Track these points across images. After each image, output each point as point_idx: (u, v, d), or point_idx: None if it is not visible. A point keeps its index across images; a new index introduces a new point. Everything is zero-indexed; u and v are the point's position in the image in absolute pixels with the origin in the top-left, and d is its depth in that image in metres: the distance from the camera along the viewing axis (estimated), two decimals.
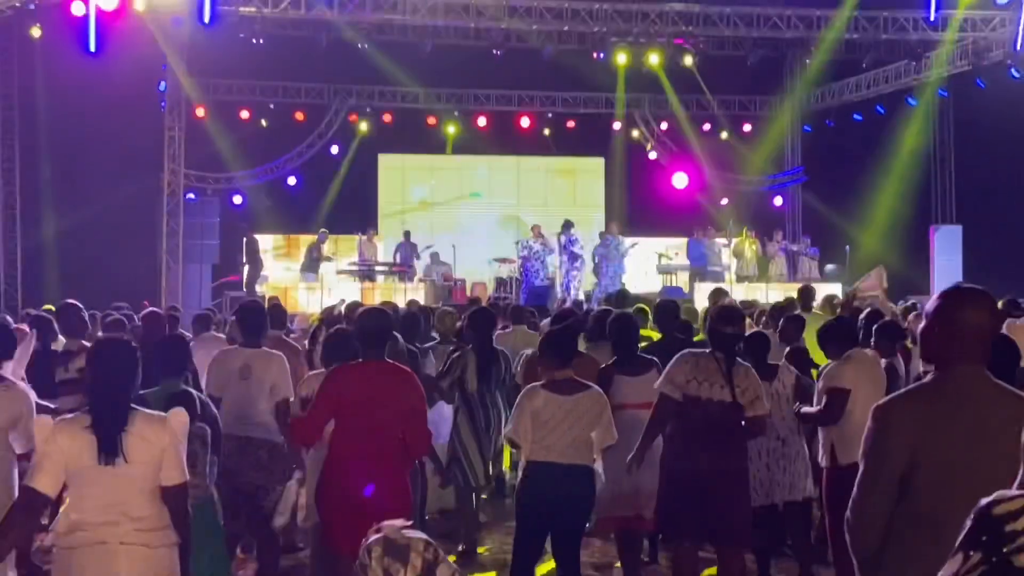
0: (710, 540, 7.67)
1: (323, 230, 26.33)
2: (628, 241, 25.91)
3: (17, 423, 6.70)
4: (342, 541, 6.57)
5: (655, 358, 8.65)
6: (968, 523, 2.34)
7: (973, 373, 3.97)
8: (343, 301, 17.12)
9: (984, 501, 2.33)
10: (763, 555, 8.87)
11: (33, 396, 7.02)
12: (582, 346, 9.50)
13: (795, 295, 15.19)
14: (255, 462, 8.12)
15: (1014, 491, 2.35)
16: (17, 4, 22.31)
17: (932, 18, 22.77)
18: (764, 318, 13.30)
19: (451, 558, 7.29)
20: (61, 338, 10.64)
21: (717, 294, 15.41)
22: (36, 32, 23.62)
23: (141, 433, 5.05)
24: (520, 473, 7.63)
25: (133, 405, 5.17)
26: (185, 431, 5.29)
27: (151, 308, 13.03)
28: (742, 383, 7.47)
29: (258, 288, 25.18)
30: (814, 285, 16.86)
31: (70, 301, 10.93)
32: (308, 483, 8.05)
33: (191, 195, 27.32)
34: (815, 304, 14.84)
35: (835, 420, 8.05)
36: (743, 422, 7.51)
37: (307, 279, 25.34)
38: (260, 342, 8.71)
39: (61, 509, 5.24)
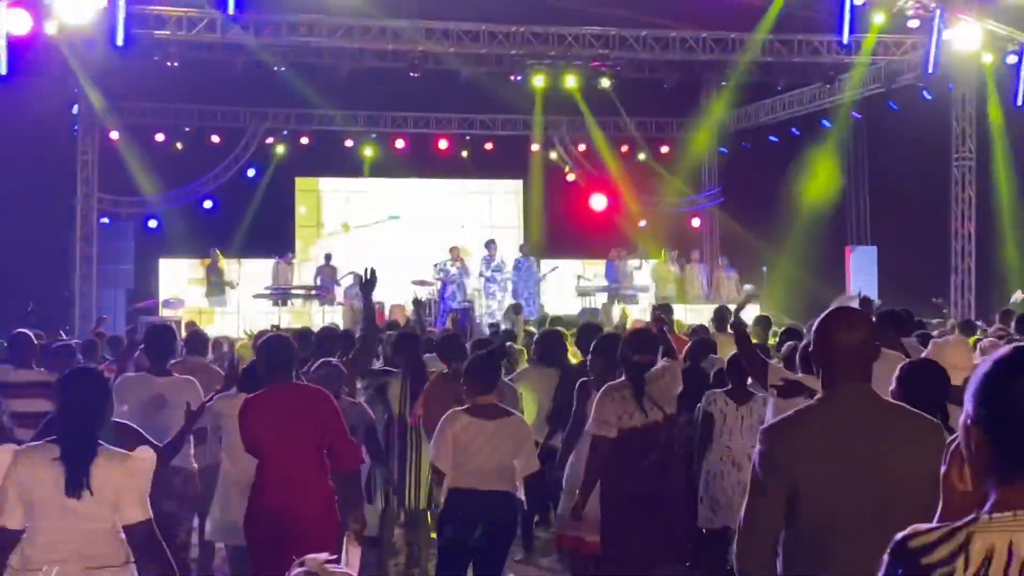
0: (654, 563, 7.49)
1: (213, 249, 26.11)
2: (548, 265, 25.89)
3: None
4: (265, 568, 6.52)
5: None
6: (886, 557, 2.31)
7: (854, 393, 3.97)
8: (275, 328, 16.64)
9: (900, 535, 2.30)
10: None
11: None
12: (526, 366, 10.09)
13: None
14: (169, 491, 7.85)
15: (930, 524, 2.33)
16: None
17: (845, 41, 22.98)
18: None
19: None
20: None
21: (662, 309, 15.15)
22: None
23: (104, 468, 4.97)
24: (443, 499, 7.55)
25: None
26: (151, 469, 5.16)
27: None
28: (658, 395, 7.42)
29: (171, 313, 24.86)
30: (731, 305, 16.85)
31: (22, 331, 10.30)
32: (213, 508, 8.01)
33: (105, 219, 26.98)
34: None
35: None
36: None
37: (217, 303, 25.08)
38: (168, 367, 8.62)
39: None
